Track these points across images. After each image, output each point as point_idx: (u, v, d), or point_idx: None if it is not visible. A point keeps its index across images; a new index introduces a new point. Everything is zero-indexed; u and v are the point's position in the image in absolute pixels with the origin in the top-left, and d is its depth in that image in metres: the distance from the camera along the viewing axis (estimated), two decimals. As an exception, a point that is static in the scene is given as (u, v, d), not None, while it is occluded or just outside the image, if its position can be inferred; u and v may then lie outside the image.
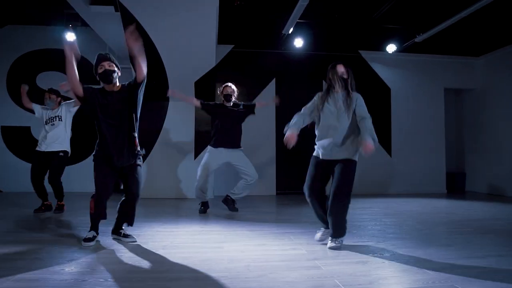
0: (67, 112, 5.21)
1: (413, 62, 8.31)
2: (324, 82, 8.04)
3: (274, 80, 7.88)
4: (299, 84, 7.96)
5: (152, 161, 6.90)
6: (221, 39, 7.44)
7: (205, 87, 6.80)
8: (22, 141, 7.82)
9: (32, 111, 5.41)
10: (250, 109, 5.35)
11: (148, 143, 6.93)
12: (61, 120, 5.15)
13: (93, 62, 7.28)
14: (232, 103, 5.31)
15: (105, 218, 3.43)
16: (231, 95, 5.27)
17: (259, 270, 2.63)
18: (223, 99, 5.30)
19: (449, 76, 8.41)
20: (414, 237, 3.75)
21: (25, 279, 2.40)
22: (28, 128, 7.83)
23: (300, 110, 3.42)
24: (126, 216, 3.47)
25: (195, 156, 7.05)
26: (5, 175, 7.69)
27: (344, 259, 2.94)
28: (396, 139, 8.19)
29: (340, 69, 3.40)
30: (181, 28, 5.83)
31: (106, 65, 3.30)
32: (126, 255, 2.99)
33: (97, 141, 3.42)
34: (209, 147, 5.25)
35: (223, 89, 5.30)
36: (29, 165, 7.61)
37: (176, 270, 2.65)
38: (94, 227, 3.41)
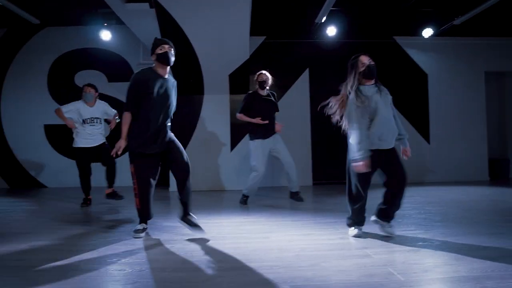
0: (104, 114, 5.46)
1: (451, 46, 8.02)
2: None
3: (307, 70, 7.79)
4: (332, 73, 7.80)
5: (189, 154, 6.98)
6: (253, 31, 7.39)
7: (239, 80, 6.82)
8: (64, 139, 8.09)
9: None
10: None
11: (185, 136, 7.05)
12: (100, 123, 5.40)
13: (126, 58, 7.54)
14: (265, 92, 5.30)
15: (150, 217, 3.52)
16: (266, 82, 5.24)
17: (311, 259, 2.64)
18: (257, 86, 5.28)
19: (491, 59, 8.05)
20: (462, 225, 3.66)
21: (83, 270, 2.50)
22: (69, 125, 8.09)
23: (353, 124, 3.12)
24: (187, 197, 3.46)
25: (232, 148, 7.11)
26: (49, 172, 8.02)
27: (395, 248, 2.91)
28: (434, 126, 7.96)
29: (365, 59, 3.23)
30: (215, 21, 5.85)
31: (167, 47, 3.31)
32: (177, 246, 3.07)
33: (133, 130, 3.35)
34: (256, 140, 5.15)
35: (257, 76, 5.28)
36: (71, 161, 8.00)
37: (228, 260, 2.69)
38: (143, 220, 3.50)
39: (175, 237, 3.36)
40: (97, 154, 5.33)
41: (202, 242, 3.18)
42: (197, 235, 3.37)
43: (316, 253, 2.81)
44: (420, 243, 3.03)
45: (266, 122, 5.11)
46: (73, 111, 5.32)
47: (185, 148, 6.90)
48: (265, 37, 7.71)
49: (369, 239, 3.18)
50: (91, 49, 8.11)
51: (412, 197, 5.63)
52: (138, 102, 3.29)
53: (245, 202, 5.27)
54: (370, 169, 3.04)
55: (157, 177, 3.51)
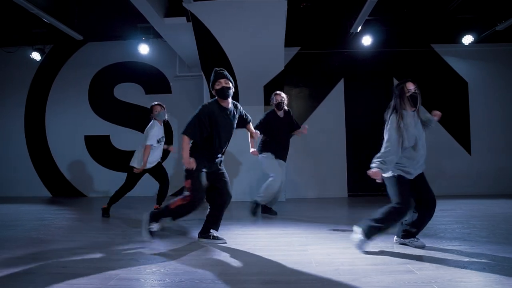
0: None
1: (492, 53, 7.72)
2: (395, 80, 7.77)
3: (342, 80, 7.72)
4: (368, 83, 7.74)
5: (225, 165, 7.05)
6: (288, 42, 7.42)
7: (274, 91, 6.83)
8: (102, 149, 8.39)
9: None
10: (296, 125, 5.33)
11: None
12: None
13: (163, 71, 7.66)
14: (282, 113, 5.21)
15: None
16: (282, 103, 5.14)
17: (351, 274, 2.57)
18: (274, 107, 5.19)
19: (537, 65, 7.70)
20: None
21: (124, 278, 2.55)
22: (108, 136, 8.38)
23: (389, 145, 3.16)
24: (216, 219, 3.67)
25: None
26: (89, 181, 8.31)
27: (439, 264, 2.78)
28: (475, 136, 7.65)
29: (411, 86, 3.24)
30: (250, 33, 5.92)
31: (223, 82, 3.50)
32: (215, 258, 3.07)
33: (200, 152, 3.54)
34: (267, 152, 5.12)
35: (274, 97, 5.19)
36: (109, 171, 8.25)
37: (267, 272, 2.66)
38: (174, 217, 3.60)
39: (212, 248, 3.36)
40: (153, 172, 5.40)
41: (239, 254, 3.17)
42: (233, 247, 3.37)
43: (356, 267, 2.73)
44: (467, 259, 2.89)
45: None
46: (155, 135, 5.25)
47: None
48: (299, 47, 7.72)
49: (410, 254, 3.06)
50: (129, 63, 8.40)
51: (453, 211, 5.41)
52: (201, 129, 3.49)
53: (255, 213, 5.01)
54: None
55: None
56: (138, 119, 8.31)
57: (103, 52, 8.44)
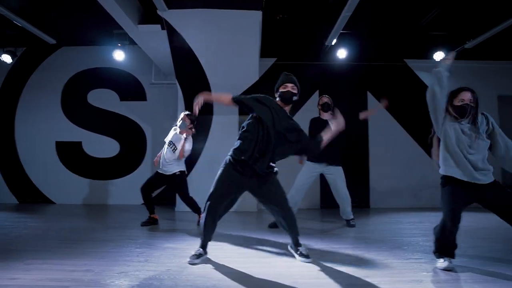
0: (182, 147, 5.07)
1: (463, 69, 7.91)
2: (368, 93, 7.89)
3: (317, 92, 7.79)
4: (342, 95, 7.81)
5: (196, 174, 6.99)
6: (264, 53, 7.48)
7: (248, 101, 6.84)
8: (74, 156, 8.20)
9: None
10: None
11: (193, 156, 7.04)
12: (177, 149, 5.09)
13: (139, 78, 7.50)
14: (328, 115, 5.07)
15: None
16: (326, 104, 5.11)
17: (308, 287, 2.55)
18: (320, 109, 5.17)
19: (504, 83, 7.94)
20: (476, 255, 3.50)
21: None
22: (80, 143, 8.21)
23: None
24: (293, 230, 3.40)
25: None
26: (58, 188, 8.09)
27: (398, 277, 2.79)
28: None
29: (466, 96, 2.99)
30: (225, 43, 5.93)
31: (289, 86, 3.35)
32: (174, 269, 3.00)
33: (237, 147, 3.31)
34: (308, 162, 5.14)
35: (319, 99, 5.25)
36: (80, 178, 8.08)
37: (221, 285, 2.61)
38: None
39: (172, 259, 3.29)
40: (163, 183, 5.30)
41: (199, 266, 3.11)
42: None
43: (316, 281, 2.71)
44: (424, 273, 2.91)
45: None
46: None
47: (192, 168, 6.97)
48: (275, 59, 7.76)
49: (373, 266, 3.06)
50: (104, 69, 8.28)
51: (421, 223, 5.48)
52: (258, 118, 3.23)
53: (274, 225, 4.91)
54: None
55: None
56: (112, 126, 8.18)
57: (78, 57, 8.29)
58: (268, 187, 3.28)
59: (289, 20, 6.49)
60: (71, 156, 8.20)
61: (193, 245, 3.88)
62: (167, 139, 5.21)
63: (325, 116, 5.08)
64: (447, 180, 3.04)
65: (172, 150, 5.08)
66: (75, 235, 4.43)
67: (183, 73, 6.65)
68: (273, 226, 4.90)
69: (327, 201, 7.59)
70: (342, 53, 7.25)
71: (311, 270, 3.00)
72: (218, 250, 3.66)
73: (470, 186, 2.93)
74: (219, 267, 3.05)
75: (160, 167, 5.14)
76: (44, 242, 4.03)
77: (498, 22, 6.01)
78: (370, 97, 7.89)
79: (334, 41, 6.82)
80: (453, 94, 3.06)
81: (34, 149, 8.16)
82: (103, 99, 8.29)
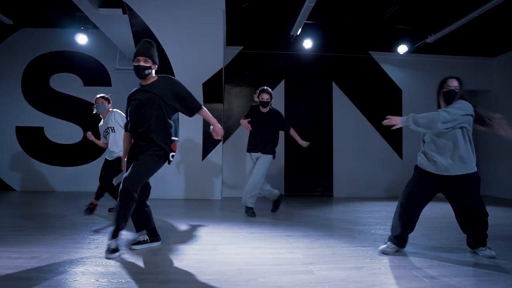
0: (117, 123, 5.03)
1: (425, 63, 8.16)
2: (334, 84, 8.00)
3: (283, 81, 7.85)
4: (308, 85, 7.91)
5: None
6: (230, 41, 7.45)
7: (213, 89, 6.81)
8: (35, 141, 7.99)
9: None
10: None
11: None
12: (114, 131, 5.03)
13: (103, 63, 7.30)
14: (267, 109, 5.25)
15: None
16: (267, 103, 5.19)
17: (250, 274, 2.61)
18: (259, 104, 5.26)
19: (463, 77, 8.16)
20: (418, 242, 3.66)
21: (16, 278, 2.44)
22: (42, 128, 8.01)
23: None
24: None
25: (203, 157, 7.06)
26: (18, 174, 7.88)
27: (340, 264, 2.89)
28: (407, 142, 8.04)
29: (451, 82, 3.21)
30: (188, 29, 5.86)
31: (141, 60, 3.16)
32: (125, 256, 3.00)
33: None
34: (247, 153, 5.30)
35: (259, 94, 5.23)
36: (43, 164, 7.91)
37: (168, 271, 2.65)
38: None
39: (123, 247, 3.29)
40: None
41: (150, 253, 3.13)
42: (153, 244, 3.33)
43: (259, 267, 2.77)
44: (368, 260, 3.02)
45: (249, 127, 5.13)
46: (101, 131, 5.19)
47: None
48: (242, 47, 7.75)
49: (318, 255, 3.15)
50: (67, 52, 8.06)
51: (379, 212, 5.66)
52: None
53: (250, 214, 5.14)
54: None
55: None
56: (75, 111, 8.01)
57: (39, 39, 8.03)
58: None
59: (254, 9, 6.46)
60: (33, 141, 7.99)
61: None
62: (101, 129, 5.15)
63: (264, 109, 5.24)
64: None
65: (105, 135, 5.09)
66: (27, 223, 4.35)
67: (147, 59, 6.54)
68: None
69: (292, 190, 7.73)
70: (308, 43, 7.31)
71: (257, 257, 3.06)
72: (211, 236, 3.69)
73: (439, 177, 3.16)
74: (168, 254, 3.07)
75: (107, 156, 5.16)
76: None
77: (459, 16, 6.18)
78: (335, 88, 8.00)
79: (299, 31, 6.86)
80: (442, 83, 3.27)
81: (-8, 134, 7.90)
82: (66, 84, 8.09)
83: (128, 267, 2.74)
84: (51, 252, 3.05)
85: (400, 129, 7.95)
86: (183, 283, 2.44)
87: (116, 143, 4.98)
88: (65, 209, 5.39)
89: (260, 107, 5.23)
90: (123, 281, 2.44)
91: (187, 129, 7.06)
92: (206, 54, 6.33)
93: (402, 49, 7.56)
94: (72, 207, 5.58)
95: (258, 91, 5.23)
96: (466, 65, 8.17)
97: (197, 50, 6.20)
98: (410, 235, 3.33)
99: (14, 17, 7.06)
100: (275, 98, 7.68)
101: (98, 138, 5.27)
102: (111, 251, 2.96)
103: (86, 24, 7.21)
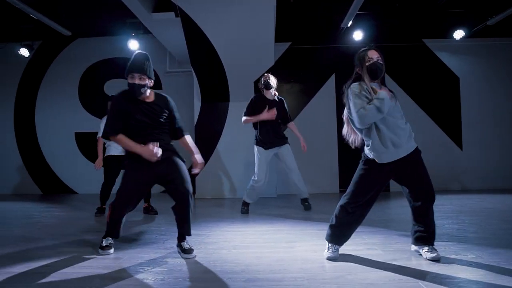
0: None
1: (484, 48, 7.71)
2: (386, 75, 7.73)
3: (333, 76, 7.69)
4: (359, 78, 7.70)
5: (215, 162, 7.05)
6: (278, 37, 7.38)
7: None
8: (93, 146, 8.29)
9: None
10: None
11: (211, 143, 7.09)
12: None
13: (154, 66, 7.57)
14: (272, 95, 5.15)
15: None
16: (268, 83, 5.08)
17: (336, 271, 2.55)
18: (262, 87, 5.16)
19: (531, 61, 7.68)
20: (500, 238, 3.44)
21: (108, 278, 2.51)
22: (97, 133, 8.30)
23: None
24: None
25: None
26: (79, 178, 8.23)
27: (426, 260, 2.76)
28: (467, 131, 7.65)
29: (373, 54, 2.80)
30: (240, 28, 5.85)
31: (136, 77, 3.06)
32: (200, 255, 3.03)
33: None
34: (258, 146, 5.16)
35: (262, 77, 5.19)
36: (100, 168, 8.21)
37: (251, 270, 2.63)
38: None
39: (198, 246, 3.32)
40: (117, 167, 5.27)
41: (225, 251, 3.14)
42: (220, 244, 3.35)
43: (342, 264, 2.71)
44: (453, 256, 2.87)
45: (274, 113, 4.92)
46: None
47: (210, 156, 7.01)
48: (290, 43, 7.67)
49: (398, 251, 3.04)
50: (119, 59, 8.29)
51: (443, 206, 5.41)
52: None
53: (246, 211, 5.10)
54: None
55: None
56: (129, 115, 8.24)
57: (93, 48, 8.33)
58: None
59: (303, 3, 6.37)
60: (90, 146, 8.30)
61: (215, 231, 3.93)
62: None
63: (269, 95, 5.10)
64: None
65: None
66: (101, 224, 4.51)
67: (198, 60, 6.62)
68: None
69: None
70: (358, 35, 7.11)
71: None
72: (241, 236, 3.69)
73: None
74: (246, 253, 3.07)
75: (113, 152, 5.31)
76: (72, 231, 4.12)
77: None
78: (388, 79, 7.74)
79: (350, 23, 6.69)
80: (361, 57, 2.82)
81: (54, 141, 8.31)
82: (119, 89, 8.23)
83: (209, 266, 2.76)
84: (132, 253, 3.14)
85: (459, 119, 7.65)
86: (271, 281, 2.41)
87: None
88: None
89: (266, 96, 5.09)
90: (208, 279, 2.45)
91: (240, 128, 7.11)
92: (257, 52, 6.30)
93: (459, 34, 7.18)
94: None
95: (262, 79, 5.15)
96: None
97: (248, 48, 6.18)
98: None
99: (71, 29, 7.35)
100: (327, 93, 7.63)
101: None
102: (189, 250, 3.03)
103: (136, 30, 7.40)
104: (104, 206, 5.29)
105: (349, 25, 6.77)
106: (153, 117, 3.13)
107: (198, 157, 3.28)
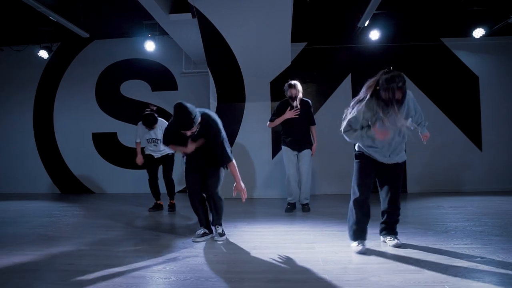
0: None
1: (505, 46, 7.54)
2: (404, 75, 7.63)
3: (349, 76, 7.62)
4: (376, 78, 7.62)
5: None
6: (294, 37, 7.34)
7: (280, 87, 6.76)
8: (110, 146, 8.40)
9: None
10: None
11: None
12: (161, 142, 5.28)
13: (169, 68, 7.73)
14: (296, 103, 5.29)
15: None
16: (295, 97, 5.25)
17: (359, 273, 2.52)
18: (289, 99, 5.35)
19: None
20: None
21: (130, 276, 2.52)
22: (115, 133, 8.39)
23: None
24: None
25: (273, 156, 7.05)
26: (97, 178, 8.33)
27: (450, 263, 2.71)
28: (486, 132, 7.50)
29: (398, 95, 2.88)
30: (256, 29, 5.84)
31: (189, 132, 3.29)
32: (221, 255, 3.03)
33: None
34: (284, 146, 5.39)
35: (288, 90, 5.32)
36: (117, 168, 8.30)
37: (273, 270, 2.62)
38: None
39: (218, 246, 3.32)
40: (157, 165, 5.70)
41: (245, 251, 3.14)
42: (240, 244, 3.34)
43: (365, 266, 2.67)
44: (478, 259, 2.81)
45: (297, 112, 5.15)
46: (139, 134, 5.68)
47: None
48: (306, 43, 7.63)
49: (422, 252, 2.99)
50: (136, 60, 8.38)
51: (464, 208, 5.31)
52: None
53: (288, 210, 5.26)
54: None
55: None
56: (145, 116, 8.31)
57: (110, 49, 8.43)
58: None
59: (319, 3, 6.34)
60: (108, 146, 8.41)
61: (234, 231, 3.93)
62: (146, 137, 5.59)
63: (294, 103, 5.27)
64: None
65: (154, 144, 5.59)
66: (120, 223, 4.55)
67: (215, 61, 6.63)
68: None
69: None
70: (375, 35, 7.03)
71: (356, 255, 2.96)
72: (260, 236, 3.68)
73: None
74: (266, 253, 3.06)
75: (151, 153, 5.62)
76: (93, 229, 4.17)
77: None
78: (406, 80, 7.63)
79: (367, 22, 6.61)
80: (389, 88, 2.88)
81: (72, 141, 8.43)
82: (135, 90, 8.41)
83: (230, 266, 2.75)
84: (171, 252, 3.16)
85: (479, 120, 7.50)
86: (293, 282, 2.40)
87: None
88: (143, 209, 5.58)
89: (291, 102, 5.25)
90: (230, 279, 2.44)
91: (255, 128, 7.12)
92: (273, 53, 6.28)
93: (478, 32, 7.04)
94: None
95: (287, 86, 5.31)
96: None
97: (264, 49, 6.17)
98: None
99: (89, 30, 7.45)
100: (343, 93, 7.56)
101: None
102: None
103: (153, 31, 7.47)
104: (159, 202, 5.61)
105: (366, 25, 6.70)
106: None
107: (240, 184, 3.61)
